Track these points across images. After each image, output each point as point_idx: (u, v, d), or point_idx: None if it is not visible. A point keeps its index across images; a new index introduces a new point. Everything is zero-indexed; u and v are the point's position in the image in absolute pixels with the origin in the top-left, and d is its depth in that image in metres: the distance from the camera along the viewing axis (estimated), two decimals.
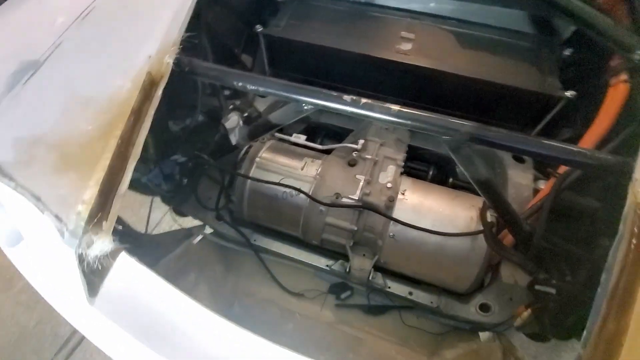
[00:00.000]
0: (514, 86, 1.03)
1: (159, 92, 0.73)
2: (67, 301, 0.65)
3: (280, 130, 1.43)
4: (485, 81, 1.06)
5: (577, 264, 0.91)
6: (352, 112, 0.75)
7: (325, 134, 1.42)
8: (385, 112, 0.74)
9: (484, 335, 1.12)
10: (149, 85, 0.73)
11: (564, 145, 0.68)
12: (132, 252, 1.13)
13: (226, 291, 1.22)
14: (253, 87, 0.78)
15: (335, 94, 0.76)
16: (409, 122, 0.74)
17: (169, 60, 0.75)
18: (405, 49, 1.12)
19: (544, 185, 1.06)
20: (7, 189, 0.56)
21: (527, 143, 0.70)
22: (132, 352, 0.61)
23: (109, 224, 0.60)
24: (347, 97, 0.75)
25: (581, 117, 1.02)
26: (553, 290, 0.88)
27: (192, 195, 1.17)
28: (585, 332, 0.52)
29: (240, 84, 0.79)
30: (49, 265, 0.64)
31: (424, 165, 1.33)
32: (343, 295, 1.23)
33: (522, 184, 1.11)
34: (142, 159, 1.06)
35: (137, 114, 0.69)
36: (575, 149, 0.68)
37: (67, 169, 0.60)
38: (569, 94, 0.99)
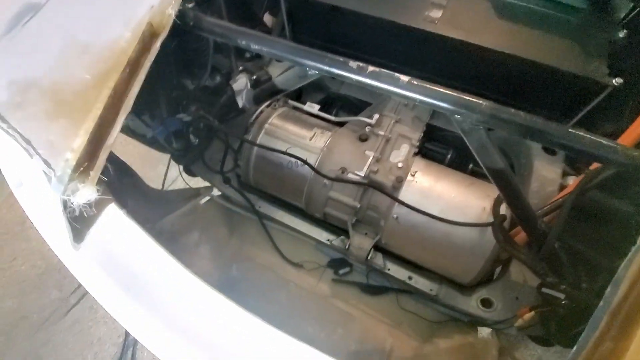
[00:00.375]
0: (553, 67, 0.91)
1: (158, 44, 0.70)
2: (60, 243, 0.68)
3: (298, 98, 1.39)
4: (521, 58, 0.94)
5: (596, 270, 0.83)
6: (357, 81, 0.69)
7: (341, 105, 1.36)
8: (392, 83, 0.67)
9: (482, 330, 1.08)
10: (149, 37, 0.71)
11: (593, 138, 0.58)
12: (139, 205, 1.16)
13: (227, 253, 1.24)
14: (256, 47, 0.74)
15: (341, 59, 0.70)
16: (417, 95, 0.67)
17: (171, 12, 0.72)
18: (434, 16, 1.01)
19: (572, 182, 0.96)
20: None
21: (549, 131, 0.61)
22: (113, 298, 0.63)
23: (95, 174, 0.60)
24: (353, 64, 0.68)
25: (628, 109, 0.88)
26: (561, 296, 0.81)
27: (203, 155, 1.18)
28: (576, 347, 0.46)
29: (244, 42, 0.74)
30: (43, 208, 0.67)
31: (442, 148, 1.24)
32: (341, 271, 1.22)
33: (547, 178, 1.01)
34: (151, 115, 1.08)
35: (133, 66, 0.67)
36: (606, 143, 0.58)
37: (58, 115, 0.60)
38: (615, 81, 0.86)
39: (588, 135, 0.60)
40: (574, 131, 0.60)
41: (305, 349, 0.56)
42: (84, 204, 0.58)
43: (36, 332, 1.61)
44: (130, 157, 2.14)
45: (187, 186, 1.37)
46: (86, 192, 0.59)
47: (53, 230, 0.68)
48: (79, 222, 0.61)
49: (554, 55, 0.92)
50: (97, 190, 0.59)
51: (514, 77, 1.03)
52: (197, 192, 1.28)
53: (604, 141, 0.59)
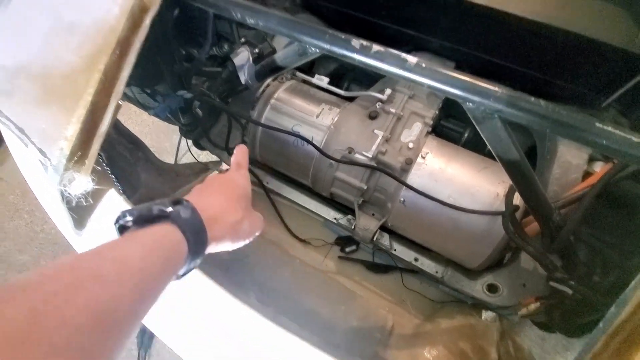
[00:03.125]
0: (591, 38, 0.79)
1: (148, 21, 0.66)
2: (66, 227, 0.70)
3: (310, 68, 1.31)
4: (555, 28, 0.83)
5: (611, 266, 0.78)
6: (360, 62, 0.63)
7: (354, 77, 1.27)
8: (399, 65, 0.61)
9: (486, 314, 1.07)
10: (139, 12, 0.66)
11: (624, 135, 0.51)
12: (151, 178, 1.18)
13: None
14: (252, 21, 0.68)
15: (343, 37, 0.63)
16: (426, 80, 0.60)
17: None
18: None
19: (599, 169, 0.88)
20: None
21: (575, 124, 0.54)
22: None
23: (89, 162, 0.60)
24: (355, 42, 0.62)
25: None
26: (569, 291, 0.78)
27: (207, 131, 1.16)
28: None
29: (239, 15, 0.68)
30: (48, 191, 0.68)
31: (459, 126, 1.16)
32: (348, 249, 1.23)
33: (572, 164, 0.93)
34: (154, 91, 1.05)
35: (123, 45, 0.64)
36: (637, 140, 0.51)
37: (49, 101, 0.59)
38: None
39: (618, 132, 0.52)
40: (601, 125, 0.53)
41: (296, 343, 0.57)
42: (80, 193, 0.59)
43: None
44: (146, 127, 2.18)
45: (196, 160, 1.38)
46: (82, 182, 0.59)
47: (58, 215, 0.69)
48: (78, 211, 0.62)
49: (595, 25, 0.80)
50: (93, 180, 0.59)
51: (547, 49, 0.92)
52: (205, 167, 1.29)
53: (636, 139, 0.51)
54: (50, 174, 0.58)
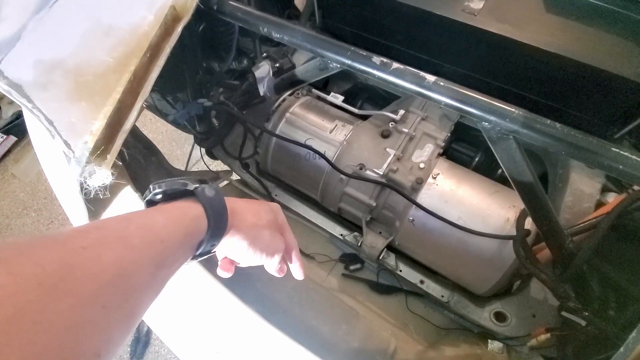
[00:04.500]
0: (605, 70, 0.81)
1: (180, 29, 0.69)
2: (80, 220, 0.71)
3: (324, 87, 1.35)
4: (569, 59, 0.85)
5: (627, 299, 0.76)
6: (379, 78, 0.65)
7: (368, 97, 1.30)
8: (417, 83, 0.63)
9: (492, 344, 1.04)
10: (171, 21, 0.70)
11: (638, 159, 0.52)
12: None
13: None
14: (278, 35, 0.71)
15: (364, 53, 0.66)
16: (443, 98, 0.62)
17: None
18: (474, 7, 0.92)
19: (612, 200, 0.87)
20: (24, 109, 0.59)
21: (589, 147, 0.55)
22: None
23: (111, 157, 0.61)
24: (376, 59, 0.64)
25: None
26: (582, 322, 0.75)
27: (222, 140, 1.19)
28: None
29: (265, 29, 0.72)
30: (65, 186, 0.69)
31: (471, 150, 1.17)
32: (352, 267, 1.21)
33: (584, 193, 0.93)
34: (175, 97, 1.09)
35: (154, 50, 0.67)
36: None
37: (80, 97, 0.61)
38: None
39: (634, 157, 0.53)
40: (617, 150, 0.54)
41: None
42: (99, 186, 0.60)
43: None
44: (159, 135, 2.23)
45: (208, 169, 1.40)
46: (102, 175, 0.60)
47: (74, 208, 0.70)
48: (94, 204, 0.63)
49: (608, 58, 0.82)
50: (112, 174, 0.61)
51: (561, 79, 0.93)
52: (217, 175, 1.30)
53: None
54: (72, 165, 0.59)
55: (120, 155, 0.62)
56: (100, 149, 0.61)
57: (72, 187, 0.61)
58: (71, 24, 0.66)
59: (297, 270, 0.54)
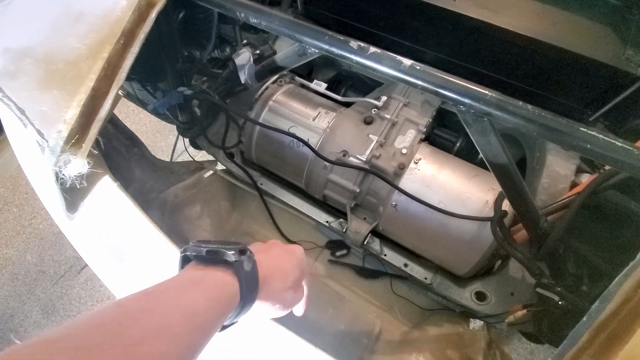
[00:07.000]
0: (580, 54, 0.83)
1: (154, 15, 0.68)
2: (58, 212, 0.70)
3: (309, 75, 1.34)
4: (546, 44, 0.87)
5: (598, 274, 0.80)
6: (357, 62, 0.65)
7: (351, 84, 1.30)
8: (394, 67, 0.63)
9: (474, 323, 1.07)
10: (145, 6, 0.68)
11: (607, 139, 0.54)
12: (146, 175, 1.18)
13: (228, 227, 1.26)
14: (256, 21, 0.70)
15: (341, 38, 0.66)
16: (420, 81, 0.62)
17: None
18: None
19: (585, 180, 0.90)
20: None
21: (559, 128, 0.56)
22: (105, 267, 0.65)
23: (86, 146, 0.61)
24: (353, 43, 0.64)
25: None
26: (556, 297, 0.79)
27: (205, 130, 1.17)
28: (551, 358, 0.45)
29: (242, 14, 0.71)
30: (42, 176, 0.68)
31: (452, 135, 1.19)
32: (338, 253, 1.23)
33: (559, 174, 0.95)
34: (154, 86, 1.07)
35: (127, 37, 0.66)
36: (621, 145, 0.53)
37: (51, 85, 0.60)
38: None
39: (601, 136, 0.55)
40: (585, 130, 0.55)
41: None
42: (75, 175, 0.59)
43: (53, 285, 1.73)
44: (142, 126, 2.19)
45: (193, 159, 1.38)
46: (77, 164, 0.59)
47: (51, 199, 0.69)
48: (72, 194, 0.62)
49: (583, 42, 0.84)
50: (88, 163, 0.60)
51: (538, 63, 0.95)
52: (201, 166, 1.29)
53: (619, 143, 0.54)
54: (46, 155, 0.58)
55: (97, 144, 0.61)
56: (75, 138, 0.60)
57: (48, 177, 0.60)
58: (39, 10, 0.64)
59: (299, 309, 0.54)
